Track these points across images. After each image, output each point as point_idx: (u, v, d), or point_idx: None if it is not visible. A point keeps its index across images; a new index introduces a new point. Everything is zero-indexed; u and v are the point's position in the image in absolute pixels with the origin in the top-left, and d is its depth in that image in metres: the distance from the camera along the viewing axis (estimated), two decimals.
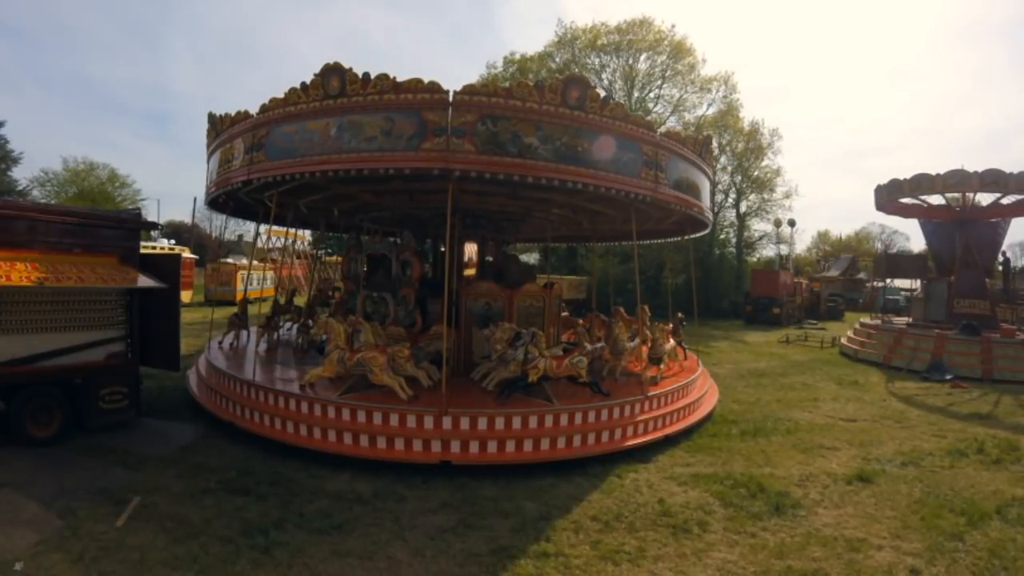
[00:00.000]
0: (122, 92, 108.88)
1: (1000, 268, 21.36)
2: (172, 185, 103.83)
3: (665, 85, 34.41)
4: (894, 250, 51.77)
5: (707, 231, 14.06)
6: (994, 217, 19.04)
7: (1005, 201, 18.14)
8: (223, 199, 10.62)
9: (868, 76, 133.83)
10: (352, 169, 7.54)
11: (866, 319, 21.64)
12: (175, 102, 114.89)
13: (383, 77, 7.30)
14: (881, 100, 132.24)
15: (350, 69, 7.41)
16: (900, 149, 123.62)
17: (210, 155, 10.46)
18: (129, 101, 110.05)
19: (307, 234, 27.37)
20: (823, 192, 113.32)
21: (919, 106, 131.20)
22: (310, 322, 12.42)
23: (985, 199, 18.79)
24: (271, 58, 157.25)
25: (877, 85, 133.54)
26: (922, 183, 17.75)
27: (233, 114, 9.23)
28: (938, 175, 17.29)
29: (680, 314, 13.09)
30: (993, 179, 16.57)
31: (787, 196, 36.43)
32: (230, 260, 32.30)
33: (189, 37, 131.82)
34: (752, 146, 34.80)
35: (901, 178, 18.28)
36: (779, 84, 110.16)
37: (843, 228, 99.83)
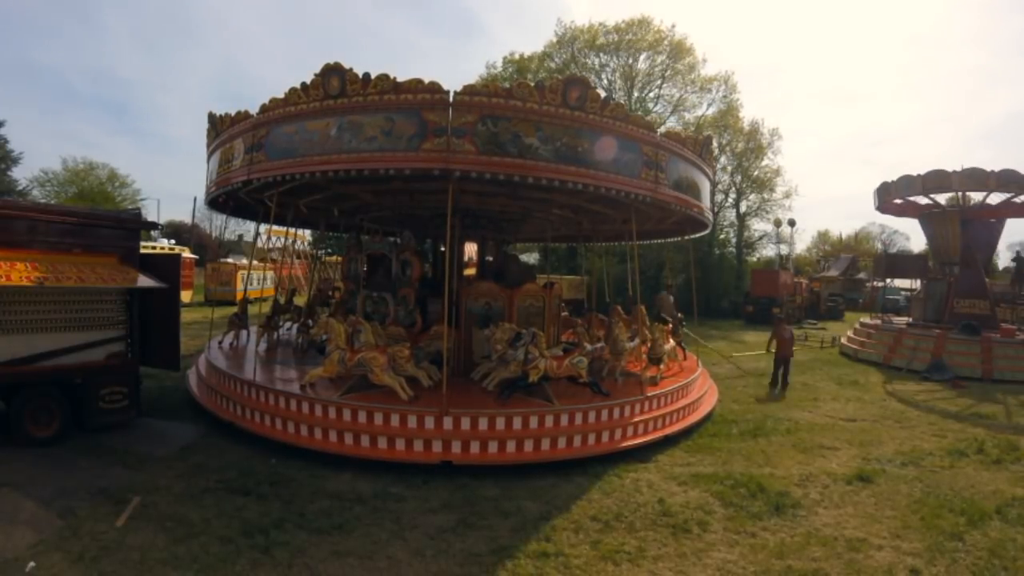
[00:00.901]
0: (70, 79, 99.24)
1: (1014, 266, 21.40)
2: (146, 180, 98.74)
3: (665, 85, 34.41)
4: (894, 250, 51.80)
5: (707, 231, 14.06)
6: (995, 217, 19.06)
7: (992, 200, 18.19)
8: (223, 199, 10.62)
9: (882, 49, 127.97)
10: (352, 169, 7.54)
11: (866, 319, 21.64)
12: (128, 90, 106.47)
13: (383, 77, 7.31)
14: (897, 77, 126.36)
15: (350, 69, 7.41)
16: (914, 135, 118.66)
17: (210, 155, 10.46)
18: (80, 89, 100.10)
19: (307, 234, 27.35)
20: (829, 188, 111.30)
21: (938, 84, 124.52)
22: (310, 322, 12.43)
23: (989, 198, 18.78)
24: (214, 34, 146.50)
25: (893, 58, 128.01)
26: (907, 184, 18.08)
27: (233, 114, 9.24)
28: (919, 175, 17.61)
29: (680, 314, 13.10)
30: (974, 177, 16.70)
31: (787, 196, 36.46)
32: (230, 260, 32.28)
33: (121, 11, 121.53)
34: (752, 146, 34.78)
35: (888, 180, 18.78)
36: (778, 61, 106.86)
37: (846, 227, 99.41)
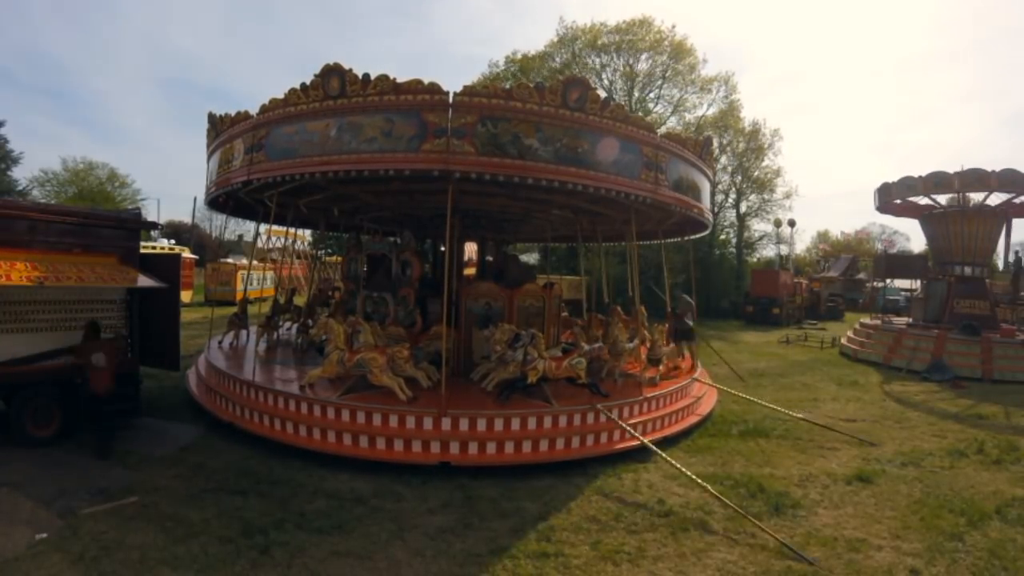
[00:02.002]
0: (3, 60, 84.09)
1: (1012, 269, 21.37)
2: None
3: (665, 85, 34.39)
4: (894, 250, 51.74)
5: (707, 232, 14.06)
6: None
7: (992, 201, 18.20)
8: (223, 199, 10.63)
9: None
10: (352, 170, 7.55)
11: (866, 319, 21.64)
12: (64, 75, 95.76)
13: (383, 78, 7.31)
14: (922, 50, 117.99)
15: (350, 70, 7.42)
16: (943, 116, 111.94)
17: (210, 155, 10.47)
18: (14, 72, 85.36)
19: (307, 234, 27.35)
20: (837, 182, 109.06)
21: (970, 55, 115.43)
22: (310, 322, 12.43)
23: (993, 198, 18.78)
24: (137, 6, 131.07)
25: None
26: (907, 186, 18.14)
27: (233, 114, 9.25)
28: (920, 177, 17.68)
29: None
30: (975, 178, 16.71)
31: (787, 196, 36.50)
32: (230, 260, 32.28)
33: None
34: (752, 146, 34.80)
35: (889, 181, 18.85)
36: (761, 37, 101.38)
37: (849, 224, 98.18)
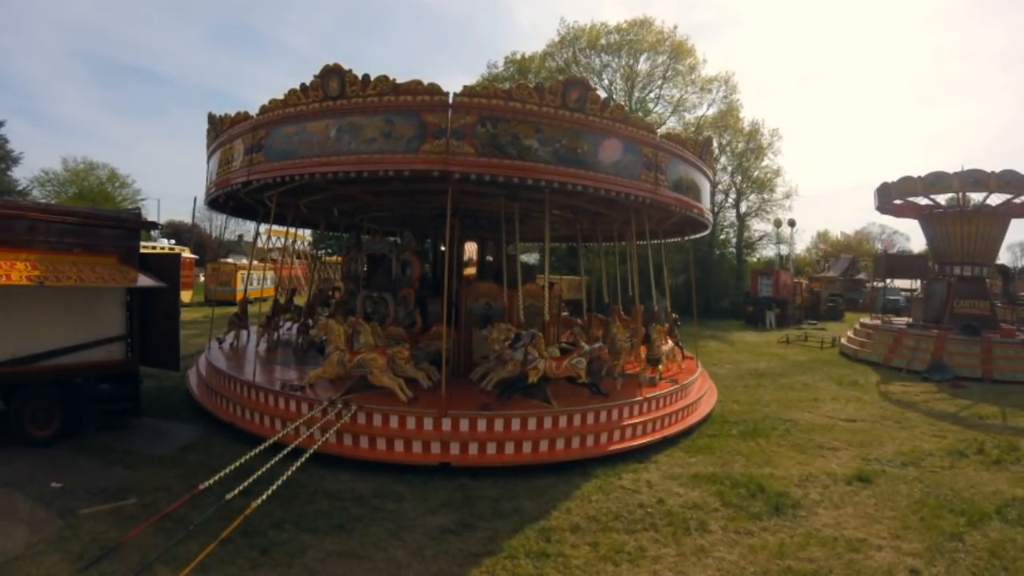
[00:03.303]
0: None
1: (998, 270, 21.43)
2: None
3: (665, 85, 34.41)
4: (894, 250, 51.76)
5: (707, 232, 14.06)
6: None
7: (992, 201, 18.22)
8: (223, 199, 10.63)
9: None
10: (352, 171, 7.55)
11: (866, 319, 21.65)
12: None
13: (383, 79, 7.32)
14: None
15: (350, 71, 7.42)
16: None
17: (210, 155, 10.48)
18: None
19: (307, 234, 27.35)
20: (844, 177, 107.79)
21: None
22: (310, 322, 12.43)
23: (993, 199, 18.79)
24: None
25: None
26: (906, 186, 18.18)
27: (233, 115, 9.25)
28: (919, 177, 17.73)
29: (674, 315, 13.08)
30: (974, 179, 16.77)
31: (787, 196, 36.49)
32: (230, 260, 32.29)
33: None
34: (752, 146, 34.79)
35: (888, 181, 18.94)
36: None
37: (857, 220, 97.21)
